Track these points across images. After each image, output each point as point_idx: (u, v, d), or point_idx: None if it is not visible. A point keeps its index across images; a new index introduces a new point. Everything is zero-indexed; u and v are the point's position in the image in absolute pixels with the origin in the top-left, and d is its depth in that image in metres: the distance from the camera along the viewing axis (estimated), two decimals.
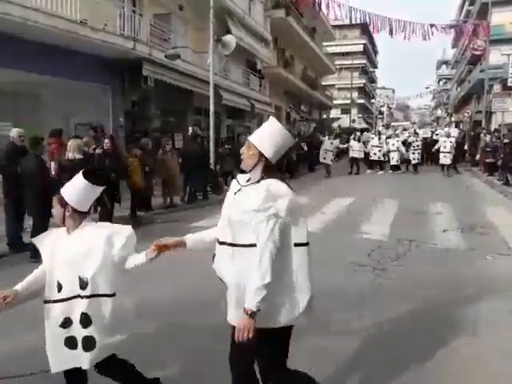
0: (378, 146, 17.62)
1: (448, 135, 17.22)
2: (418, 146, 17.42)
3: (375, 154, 17.56)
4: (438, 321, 3.86)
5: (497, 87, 27.42)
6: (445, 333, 3.63)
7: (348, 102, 47.92)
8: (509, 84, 25.33)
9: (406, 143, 17.86)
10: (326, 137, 18.32)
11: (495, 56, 26.82)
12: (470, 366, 3.12)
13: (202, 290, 4.63)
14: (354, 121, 46.91)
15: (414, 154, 17.23)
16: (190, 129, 12.20)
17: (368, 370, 3.07)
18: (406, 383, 2.93)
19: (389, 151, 17.42)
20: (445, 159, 15.99)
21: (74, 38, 9.72)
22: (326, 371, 3.03)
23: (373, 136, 19.74)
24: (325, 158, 16.86)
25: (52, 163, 8.18)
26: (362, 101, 58.39)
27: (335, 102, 46.67)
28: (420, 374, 3.03)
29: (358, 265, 5.39)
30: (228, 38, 13.75)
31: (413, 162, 17.28)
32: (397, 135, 19.28)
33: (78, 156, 6.61)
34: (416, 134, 20.32)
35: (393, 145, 17.22)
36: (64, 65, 10.20)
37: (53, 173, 7.97)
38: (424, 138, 20.70)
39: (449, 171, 15.92)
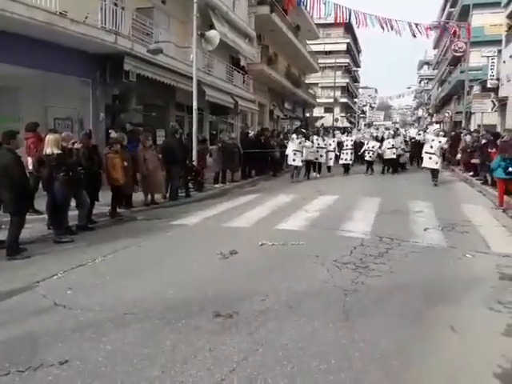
0: (350, 149, 16.74)
1: (437, 134, 14.23)
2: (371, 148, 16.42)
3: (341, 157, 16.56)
4: (419, 317, 3.88)
5: (476, 88, 27.96)
6: (426, 329, 3.65)
7: (331, 100, 48.18)
8: (488, 85, 25.90)
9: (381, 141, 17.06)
10: (294, 135, 15.52)
11: (475, 57, 27.34)
12: (451, 361, 3.13)
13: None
14: (337, 120, 47.17)
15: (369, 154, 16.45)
16: (171, 124, 12.03)
17: (351, 368, 3.04)
18: (388, 380, 2.92)
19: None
20: (430, 162, 13.20)
21: (53, 30, 9.45)
22: (309, 370, 3.01)
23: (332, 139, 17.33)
24: (294, 160, 14.55)
25: (29, 158, 7.97)
26: (345, 100, 58.75)
27: (318, 100, 46.83)
28: (401, 370, 3.03)
29: (341, 262, 5.39)
30: (211, 33, 13.62)
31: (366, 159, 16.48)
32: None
33: (57, 151, 6.44)
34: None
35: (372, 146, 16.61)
36: (43, 57, 9.92)
37: (30, 168, 7.77)
38: (410, 137, 19.98)
39: (435, 179, 13.13)
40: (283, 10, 25.84)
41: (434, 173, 13.20)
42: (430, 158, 13.12)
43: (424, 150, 13.63)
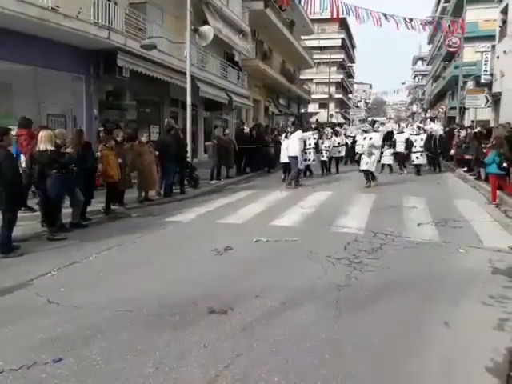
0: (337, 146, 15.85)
1: (366, 130, 12.78)
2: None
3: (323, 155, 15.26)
4: (412, 312, 3.90)
5: (470, 84, 28.05)
6: (418, 323, 3.68)
7: (326, 96, 48.21)
8: (482, 81, 25.99)
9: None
10: (309, 132, 14.09)
11: (469, 53, 27.42)
12: (444, 356, 3.16)
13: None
14: (331, 115, 47.23)
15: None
16: (167, 120, 11.99)
17: (344, 362, 3.06)
18: (380, 374, 2.94)
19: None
20: (362, 163, 12.00)
21: (45, 26, 9.38)
22: (302, 365, 3.02)
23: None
24: (308, 160, 13.81)
25: (22, 155, 7.92)
26: (339, 95, 58.81)
27: (313, 96, 46.84)
28: (393, 365, 3.05)
29: (334, 258, 5.41)
30: (205, 28, 13.57)
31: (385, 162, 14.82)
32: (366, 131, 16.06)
33: (50, 147, 6.40)
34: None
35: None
36: (35, 53, 9.86)
37: (23, 165, 7.73)
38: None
39: (368, 182, 11.79)
40: (278, 6, 25.77)
41: (368, 175, 11.83)
42: (363, 159, 11.86)
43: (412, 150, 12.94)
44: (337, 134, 16.70)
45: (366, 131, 12.51)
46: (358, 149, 13.14)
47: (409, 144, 14.85)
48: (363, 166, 11.92)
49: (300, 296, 4.24)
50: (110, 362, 3.06)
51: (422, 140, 14.70)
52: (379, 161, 13.19)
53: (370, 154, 11.66)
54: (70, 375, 2.92)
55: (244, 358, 3.11)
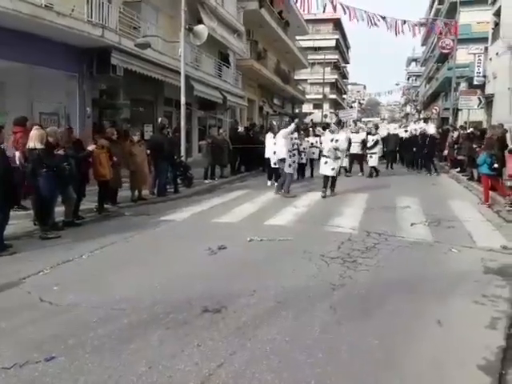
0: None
1: (333, 131, 10.74)
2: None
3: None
4: (405, 311, 3.91)
5: (463, 85, 28.26)
6: (411, 322, 3.69)
7: (320, 96, 48.28)
8: (475, 82, 26.19)
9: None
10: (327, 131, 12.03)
11: (462, 55, 27.59)
12: (436, 354, 3.17)
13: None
14: (325, 116, 47.31)
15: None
16: (159, 119, 11.95)
17: (338, 361, 3.07)
18: (374, 372, 2.94)
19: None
20: (325, 167, 10.42)
21: (38, 23, 9.30)
22: (296, 364, 3.02)
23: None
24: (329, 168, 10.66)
25: (17, 153, 7.84)
26: (333, 96, 58.90)
27: (308, 96, 46.89)
28: (387, 363, 3.06)
29: (328, 257, 5.42)
30: (200, 28, 13.52)
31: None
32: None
33: (40, 146, 6.35)
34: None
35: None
36: (28, 51, 9.75)
37: (17, 162, 7.65)
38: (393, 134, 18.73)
39: (329, 188, 10.51)
40: (272, 6, 25.78)
41: (329, 181, 10.45)
42: (326, 163, 10.37)
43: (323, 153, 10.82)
44: (316, 134, 15.38)
45: (332, 132, 10.62)
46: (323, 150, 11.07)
47: (365, 145, 14.75)
48: (327, 171, 10.33)
49: (294, 295, 4.24)
50: (103, 361, 3.04)
51: (373, 141, 14.64)
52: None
53: (336, 158, 10.35)
54: (63, 373, 2.90)
55: (238, 357, 3.10)
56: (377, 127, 16.74)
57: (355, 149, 14.67)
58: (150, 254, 5.80)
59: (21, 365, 2.99)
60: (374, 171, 14.57)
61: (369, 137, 14.95)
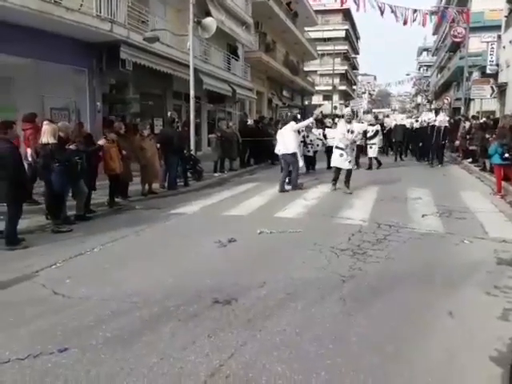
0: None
1: (349, 120, 10.22)
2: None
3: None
4: (417, 302, 3.89)
5: (476, 74, 27.78)
6: (423, 314, 3.67)
7: (330, 88, 47.91)
8: (487, 71, 25.74)
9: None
10: (341, 120, 11.48)
11: (475, 43, 27.10)
12: (448, 346, 3.16)
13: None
14: (335, 107, 46.99)
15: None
16: (169, 113, 11.97)
17: (348, 352, 3.07)
18: (384, 364, 2.94)
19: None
20: (340, 160, 9.66)
21: (47, 19, 9.35)
22: (306, 355, 3.03)
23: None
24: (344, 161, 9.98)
25: (28, 149, 7.92)
26: (343, 87, 58.42)
27: (317, 88, 46.56)
28: (397, 355, 3.05)
29: (338, 249, 5.40)
30: (208, 20, 13.47)
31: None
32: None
33: (52, 141, 6.41)
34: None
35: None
36: (37, 46, 9.83)
37: (29, 159, 7.74)
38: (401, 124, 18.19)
39: (346, 183, 9.78)
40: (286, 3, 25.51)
41: (340, 174, 9.89)
42: (341, 155, 9.62)
43: (335, 144, 10.06)
44: (326, 126, 15.18)
45: (349, 122, 10.04)
46: (332, 142, 10.93)
47: (365, 135, 14.37)
48: (343, 165, 9.67)
49: (304, 287, 4.24)
50: (115, 353, 3.08)
51: (372, 131, 14.32)
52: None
53: (353, 150, 9.97)
54: (75, 365, 2.95)
55: (248, 349, 3.12)
56: (376, 117, 16.32)
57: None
58: (161, 247, 5.84)
59: (34, 356, 3.04)
60: (377, 162, 14.26)
61: (369, 127, 14.71)
